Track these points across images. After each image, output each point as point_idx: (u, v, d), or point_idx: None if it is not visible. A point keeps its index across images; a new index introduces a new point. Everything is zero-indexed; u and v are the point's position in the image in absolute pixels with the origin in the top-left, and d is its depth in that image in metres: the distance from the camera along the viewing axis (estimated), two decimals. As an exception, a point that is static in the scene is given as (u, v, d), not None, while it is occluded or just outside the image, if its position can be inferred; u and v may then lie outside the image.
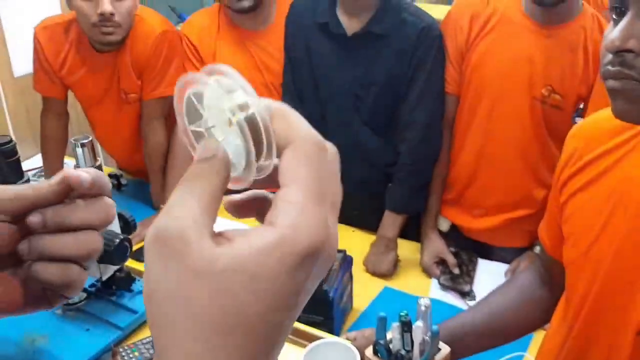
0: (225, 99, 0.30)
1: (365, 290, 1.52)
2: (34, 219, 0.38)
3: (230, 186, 0.31)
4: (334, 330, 1.34)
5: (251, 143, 0.30)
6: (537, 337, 1.41)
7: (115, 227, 1.09)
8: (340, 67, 1.58)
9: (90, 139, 1.06)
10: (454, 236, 1.69)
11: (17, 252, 0.39)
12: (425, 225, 1.67)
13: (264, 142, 0.30)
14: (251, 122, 0.30)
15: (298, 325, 1.13)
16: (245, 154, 0.30)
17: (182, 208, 0.29)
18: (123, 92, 1.70)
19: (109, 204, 0.41)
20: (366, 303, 1.51)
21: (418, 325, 0.87)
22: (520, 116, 1.46)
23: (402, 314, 0.89)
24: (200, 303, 0.27)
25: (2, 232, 0.39)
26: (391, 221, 1.63)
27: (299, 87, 1.66)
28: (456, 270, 1.58)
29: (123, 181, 1.10)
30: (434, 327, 0.88)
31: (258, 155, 0.30)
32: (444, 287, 1.56)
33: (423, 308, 0.88)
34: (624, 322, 0.72)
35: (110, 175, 1.12)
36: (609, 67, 0.65)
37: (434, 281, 1.59)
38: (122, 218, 1.13)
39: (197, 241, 0.28)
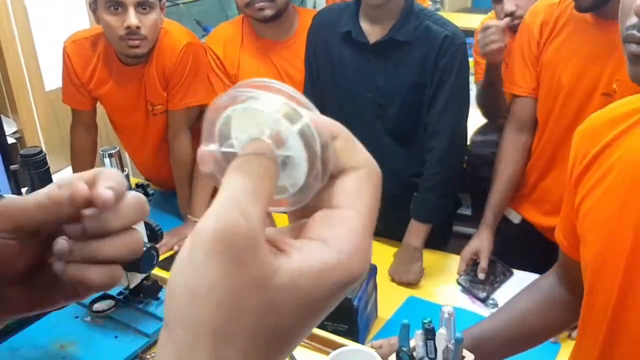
0: (277, 112, 0.27)
1: (389, 300, 1.52)
2: (60, 247, 0.37)
3: (271, 208, 0.29)
4: (359, 338, 1.34)
5: (315, 157, 0.27)
6: (565, 347, 1.39)
7: (142, 235, 1.12)
8: (363, 76, 1.59)
9: (117, 149, 1.08)
10: (526, 229, 1.67)
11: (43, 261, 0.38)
12: (483, 219, 1.64)
13: (318, 158, 0.27)
14: (306, 135, 0.27)
15: (322, 333, 1.14)
16: (304, 171, 0.28)
17: (255, 207, 0.27)
18: (150, 104, 1.74)
19: (139, 239, 0.40)
20: (391, 312, 1.51)
21: (441, 333, 0.86)
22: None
23: (425, 321, 0.89)
24: (249, 316, 0.26)
25: (13, 252, 0.38)
26: (416, 230, 1.63)
27: (320, 99, 1.68)
28: (481, 276, 1.57)
29: (150, 191, 1.12)
30: (458, 335, 0.88)
31: (310, 173, 0.28)
32: (460, 286, 1.56)
33: (446, 315, 0.88)
34: None
35: (137, 185, 1.14)
36: (635, 32, 0.63)
37: (460, 291, 1.58)
38: (148, 227, 1.15)
39: (262, 249, 0.26)
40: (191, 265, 0.26)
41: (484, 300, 1.53)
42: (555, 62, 1.48)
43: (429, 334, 0.89)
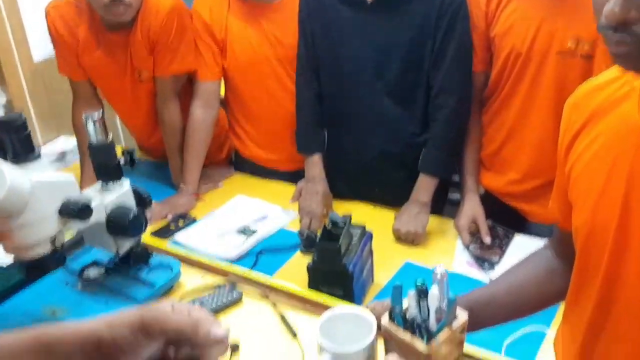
0: None
1: (386, 266, 1.50)
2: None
3: None
4: (355, 304, 1.33)
5: None
6: (561, 311, 1.38)
7: (130, 201, 1.10)
8: (360, 36, 1.55)
9: (101, 115, 1.06)
10: (490, 199, 1.66)
11: None
12: (465, 187, 1.64)
13: None
14: None
15: (317, 296, 1.13)
16: None
17: None
18: (137, 70, 1.70)
19: None
20: (387, 278, 1.49)
21: (433, 293, 0.85)
22: (549, 76, 1.42)
23: (418, 281, 0.88)
24: None
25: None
26: (425, 185, 1.61)
27: (316, 60, 1.64)
28: (487, 240, 1.55)
29: (136, 157, 1.10)
30: (451, 295, 0.86)
31: None
32: (472, 255, 1.54)
33: (439, 276, 0.86)
34: None
35: (122, 152, 1.12)
36: (610, 33, 0.62)
37: (457, 257, 1.56)
38: (136, 193, 1.13)
39: None
40: None
41: (493, 266, 1.51)
42: (507, 31, 1.44)
43: (422, 294, 0.87)
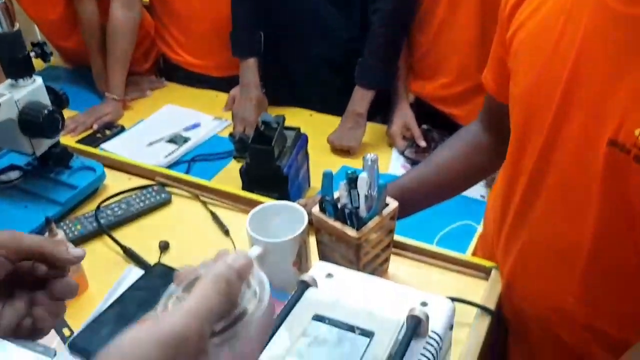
0: None
1: (322, 170, 1.49)
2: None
3: None
4: (289, 205, 1.32)
5: None
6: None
7: (44, 98, 1.02)
8: None
9: (3, 1, 0.96)
10: (421, 106, 1.65)
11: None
12: (395, 94, 1.62)
13: None
14: None
15: (250, 195, 1.10)
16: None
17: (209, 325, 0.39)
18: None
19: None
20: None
21: (362, 177, 0.84)
22: None
23: (349, 171, 0.86)
24: None
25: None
26: (361, 96, 1.57)
27: None
28: (422, 143, 1.56)
29: (47, 50, 1.01)
30: (381, 182, 0.86)
31: None
32: (408, 159, 1.55)
33: (369, 162, 0.85)
34: (592, 135, 0.67)
35: (33, 44, 1.03)
36: None
37: (393, 162, 1.57)
38: (51, 91, 1.06)
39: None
40: (139, 347, 0.34)
41: None
42: None
43: (352, 183, 0.86)
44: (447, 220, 1.41)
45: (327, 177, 0.87)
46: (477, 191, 1.53)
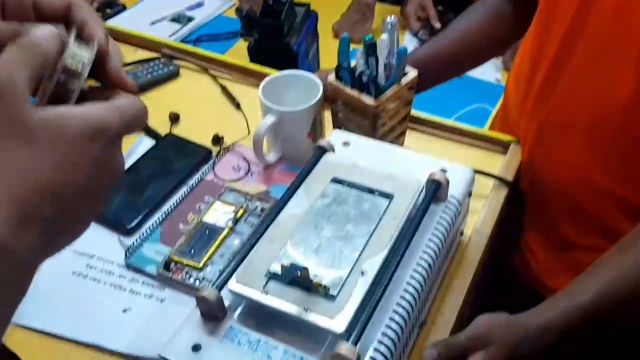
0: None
1: (332, 52, 1.44)
2: None
3: None
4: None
5: None
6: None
7: None
8: None
9: None
10: None
11: None
12: None
13: None
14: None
15: (260, 68, 1.06)
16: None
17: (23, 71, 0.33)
18: None
19: None
20: (334, 63, 1.44)
21: (383, 39, 0.80)
22: None
23: (367, 37, 0.82)
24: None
25: None
26: None
27: None
28: (437, 25, 1.49)
29: None
30: (401, 47, 0.81)
31: None
32: (421, 41, 1.49)
33: (389, 27, 0.81)
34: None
35: None
36: None
37: (406, 43, 1.51)
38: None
39: (21, 100, 0.32)
40: None
41: None
42: None
43: (371, 50, 0.82)
44: (461, 103, 1.38)
45: (344, 43, 0.83)
46: (492, 74, 1.49)
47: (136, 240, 0.78)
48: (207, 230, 0.77)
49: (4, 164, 0.30)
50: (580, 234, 0.82)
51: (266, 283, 0.57)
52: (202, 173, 0.87)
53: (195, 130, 0.94)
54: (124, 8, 1.57)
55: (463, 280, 0.74)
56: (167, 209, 0.82)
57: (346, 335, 0.53)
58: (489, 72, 1.47)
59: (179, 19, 1.52)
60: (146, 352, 0.66)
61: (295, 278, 0.56)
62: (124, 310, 0.71)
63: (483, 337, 0.63)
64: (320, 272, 0.58)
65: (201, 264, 0.74)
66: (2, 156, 0.30)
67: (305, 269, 0.55)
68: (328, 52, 1.37)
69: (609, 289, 0.65)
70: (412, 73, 0.84)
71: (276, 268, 0.58)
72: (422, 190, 0.67)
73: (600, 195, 0.77)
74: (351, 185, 0.68)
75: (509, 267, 0.95)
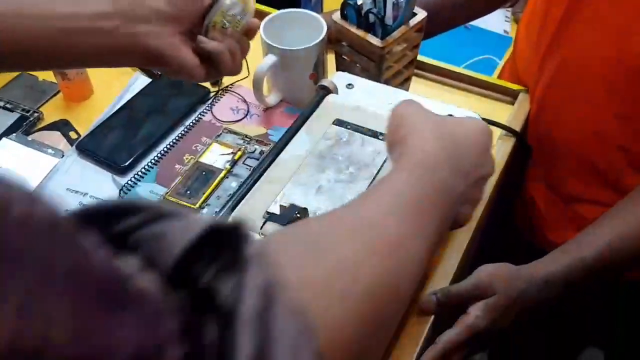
0: None
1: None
2: None
3: None
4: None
5: None
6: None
7: None
8: None
9: None
10: None
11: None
12: None
13: None
14: None
15: (262, 7, 1.02)
16: None
17: None
18: None
19: None
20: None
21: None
22: None
23: (375, -26, 0.78)
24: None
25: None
26: None
27: None
28: None
29: None
30: (411, -15, 0.77)
31: None
32: None
33: (399, -39, 0.77)
34: None
35: None
36: None
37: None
38: None
39: None
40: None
41: None
42: None
43: (379, -9, 0.78)
44: (468, 53, 1.34)
45: (351, -21, 0.79)
46: (500, 26, 1.45)
47: (131, 179, 0.75)
48: (204, 172, 0.75)
49: None
50: (587, 187, 0.80)
51: (263, 224, 0.55)
52: (200, 113, 0.84)
53: (194, 69, 0.90)
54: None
55: (464, 231, 0.72)
56: (163, 149, 0.79)
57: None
58: (497, 23, 1.43)
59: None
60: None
61: (294, 219, 0.54)
62: (117, 250, 0.69)
63: (485, 287, 0.61)
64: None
65: (197, 206, 0.72)
66: None
67: (305, 210, 0.53)
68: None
69: (616, 242, 0.64)
70: (421, 14, 0.81)
71: (274, 209, 0.56)
72: (427, 135, 0.65)
73: (611, 150, 0.74)
74: (354, 127, 0.65)
75: (511, 219, 0.94)
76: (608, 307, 0.94)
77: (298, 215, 0.54)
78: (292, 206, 0.54)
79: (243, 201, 0.58)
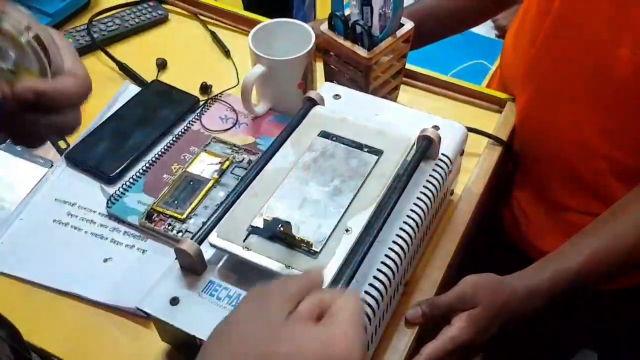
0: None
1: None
2: None
3: None
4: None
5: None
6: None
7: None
8: None
9: None
10: None
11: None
12: None
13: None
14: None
15: (252, 15, 1.02)
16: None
17: None
18: None
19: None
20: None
21: (378, -15, 0.76)
22: None
23: (362, -16, 0.78)
24: None
25: None
26: None
27: None
28: None
29: None
30: (398, -3, 0.78)
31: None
32: None
33: (385, -23, 0.77)
34: None
35: None
36: None
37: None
38: None
39: None
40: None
41: None
42: None
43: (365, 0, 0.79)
44: (459, 58, 1.34)
45: (339, -10, 0.79)
46: (492, 30, 1.45)
47: (119, 189, 0.76)
48: (192, 182, 0.76)
49: None
50: (572, 196, 0.81)
51: (246, 237, 0.56)
52: (189, 122, 0.85)
53: (183, 78, 0.90)
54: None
55: (451, 240, 0.73)
56: (151, 159, 0.80)
57: (327, 292, 0.52)
58: (489, 28, 1.43)
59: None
60: (125, 303, 0.65)
61: (277, 233, 0.55)
62: (105, 260, 0.70)
63: (469, 298, 0.62)
64: (304, 228, 0.56)
65: (184, 216, 0.72)
66: None
67: (288, 224, 0.53)
68: (326, 2, 1.33)
69: (601, 253, 0.64)
70: (408, 25, 0.81)
71: (258, 222, 0.56)
72: (412, 147, 0.65)
73: (595, 159, 0.75)
74: (340, 139, 0.65)
75: (498, 227, 0.94)
76: (599, 310, 0.95)
77: (281, 228, 0.54)
78: (275, 220, 0.54)
79: (227, 214, 0.58)
